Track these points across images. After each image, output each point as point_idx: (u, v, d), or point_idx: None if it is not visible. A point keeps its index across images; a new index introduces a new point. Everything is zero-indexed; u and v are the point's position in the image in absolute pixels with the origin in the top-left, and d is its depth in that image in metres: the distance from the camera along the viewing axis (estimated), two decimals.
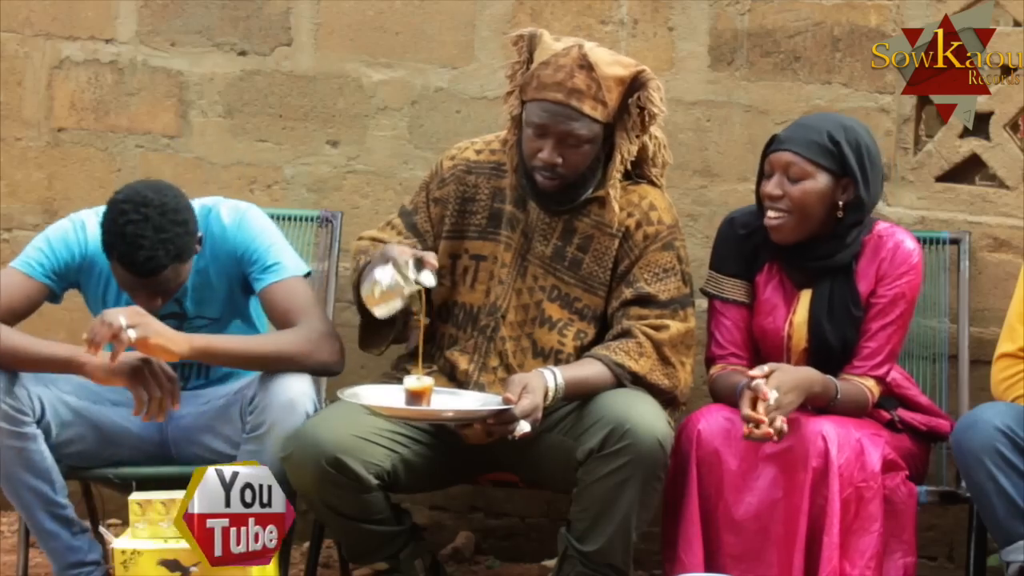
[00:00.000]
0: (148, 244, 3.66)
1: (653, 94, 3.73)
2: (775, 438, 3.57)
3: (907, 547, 3.71)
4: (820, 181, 3.75)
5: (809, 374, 3.71)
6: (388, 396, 3.67)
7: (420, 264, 3.57)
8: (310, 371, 3.81)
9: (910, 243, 3.85)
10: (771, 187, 3.77)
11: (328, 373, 3.90)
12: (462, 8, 4.52)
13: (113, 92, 4.75)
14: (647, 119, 3.75)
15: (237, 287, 3.97)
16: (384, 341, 3.88)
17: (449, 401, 3.68)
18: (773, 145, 3.81)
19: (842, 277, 3.81)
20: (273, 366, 3.78)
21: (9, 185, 4.82)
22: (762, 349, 3.89)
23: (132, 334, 3.62)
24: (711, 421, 3.72)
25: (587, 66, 3.68)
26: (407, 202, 3.99)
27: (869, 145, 3.79)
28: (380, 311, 3.62)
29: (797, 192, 3.75)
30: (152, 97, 4.71)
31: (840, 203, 3.76)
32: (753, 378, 3.63)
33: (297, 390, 3.76)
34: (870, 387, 3.80)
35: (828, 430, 3.64)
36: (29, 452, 3.78)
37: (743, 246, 3.88)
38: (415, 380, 3.59)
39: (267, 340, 3.86)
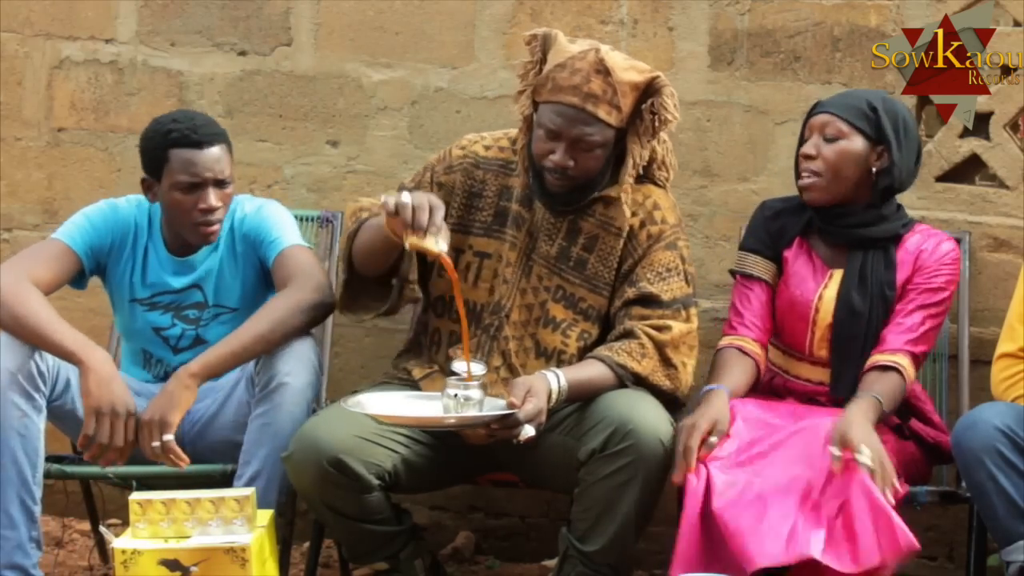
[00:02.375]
0: (199, 118, 3.97)
1: (667, 100, 3.73)
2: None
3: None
4: (855, 143, 3.80)
5: (867, 415, 3.61)
6: (391, 403, 3.68)
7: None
8: (309, 320, 3.84)
9: (949, 244, 3.89)
10: (807, 147, 3.82)
11: (323, 310, 3.89)
12: (462, 8, 4.52)
13: (113, 92, 4.75)
14: (658, 125, 3.75)
15: (253, 276, 4.03)
16: (370, 308, 3.85)
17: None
18: (814, 110, 3.87)
19: (879, 255, 3.84)
20: (278, 337, 3.79)
21: (9, 185, 4.82)
22: (787, 323, 3.90)
23: (167, 438, 3.71)
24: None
25: (604, 71, 3.67)
26: (406, 180, 3.97)
27: (907, 118, 3.85)
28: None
29: (831, 152, 3.79)
30: (152, 97, 4.71)
31: (874, 170, 3.80)
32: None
33: (299, 344, 3.81)
34: (904, 365, 3.74)
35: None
36: (30, 420, 3.74)
37: (769, 224, 3.93)
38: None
39: (257, 319, 3.83)
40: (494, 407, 3.58)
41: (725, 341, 3.89)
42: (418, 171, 3.98)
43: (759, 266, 3.93)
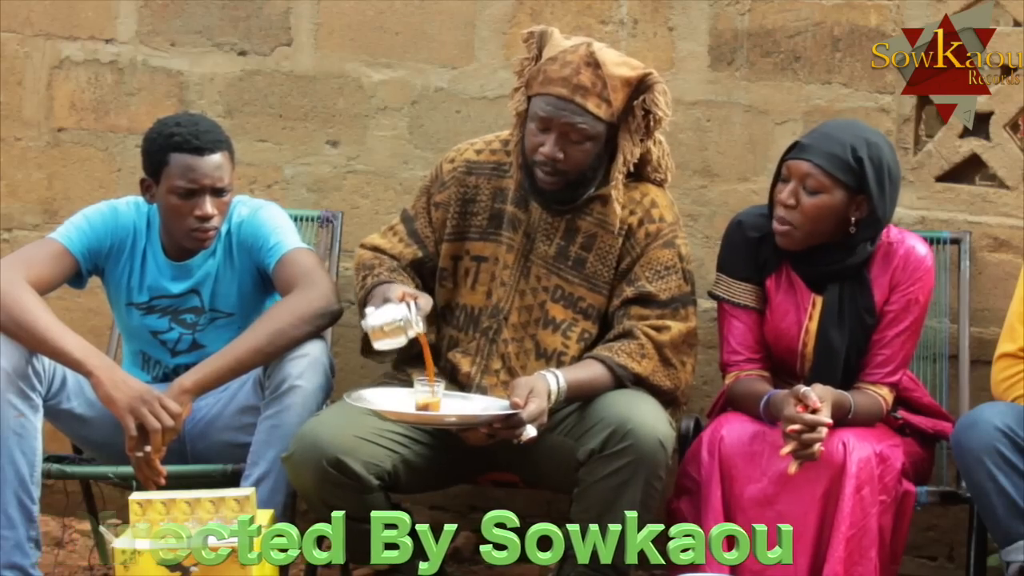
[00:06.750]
0: (203, 123, 3.95)
1: (659, 97, 3.73)
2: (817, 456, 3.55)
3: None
4: (836, 196, 3.70)
5: (831, 392, 3.67)
6: (395, 400, 3.66)
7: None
8: (313, 330, 3.82)
9: (921, 248, 3.82)
10: (785, 195, 3.73)
11: (329, 318, 3.88)
12: (462, 8, 4.52)
13: (113, 92, 4.75)
14: (652, 123, 3.75)
15: (250, 281, 4.01)
16: (388, 354, 3.86)
17: (455, 405, 3.67)
18: (794, 151, 3.76)
19: (854, 284, 3.78)
20: (277, 349, 3.78)
21: (9, 185, 4.82)
22: (776, 351, 3.86)
23: (148, 449, 3.69)
24: (733, 430, 3.71)
25: (594, 64, 3.68)
26: (409, 206, 3.99)
27: (891, 164, 3.75)
28: (382, 345, 3.60)
29: (811, 205, 3.71)
30: (152, 97, 4.71)
31: (853, 219, 3.73)
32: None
33: (312, 347, 3.80)
34: (884, 395, 3.78)
35: (849, 440, 3.63)
36: (27, 420, 3.75)
37: (753, 250, 3.84)
38: (428, 394, 3.58)
39: (256, 330, 3.83)
40: (496, 407, 3.58)
41: (732, 376, 3.84)
42: (417, 195, 3.97)
43: (749, 295, 3.85)
